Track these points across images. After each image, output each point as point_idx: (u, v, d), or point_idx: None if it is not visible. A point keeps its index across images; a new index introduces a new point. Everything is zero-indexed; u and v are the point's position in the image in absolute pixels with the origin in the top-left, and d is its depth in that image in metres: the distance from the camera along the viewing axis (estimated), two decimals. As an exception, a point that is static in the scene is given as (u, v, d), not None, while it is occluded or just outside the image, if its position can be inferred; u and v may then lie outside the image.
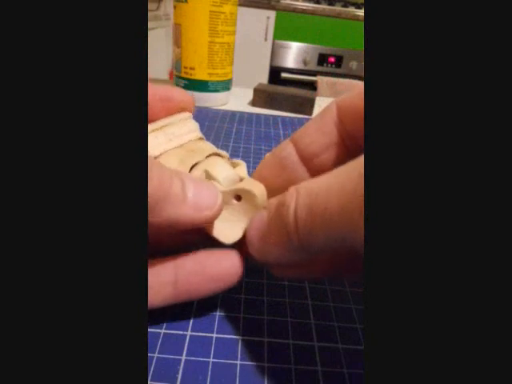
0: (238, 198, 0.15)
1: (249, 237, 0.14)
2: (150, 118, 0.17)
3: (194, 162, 0.15)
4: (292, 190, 0.12)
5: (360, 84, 1.30)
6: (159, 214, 0.12)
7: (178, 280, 0.14)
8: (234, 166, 0.17)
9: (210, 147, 0.17)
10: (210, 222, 0.14)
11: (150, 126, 0.16)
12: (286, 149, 0.15)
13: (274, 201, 0.13)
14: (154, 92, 0.17)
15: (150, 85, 0.16)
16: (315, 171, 0.15)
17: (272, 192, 0.14)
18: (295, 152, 0.15)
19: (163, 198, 0.12)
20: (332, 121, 0.14)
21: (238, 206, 0.15)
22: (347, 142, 0.14)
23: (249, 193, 0.14)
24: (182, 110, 0.18)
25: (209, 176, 0.15)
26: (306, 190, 0.11)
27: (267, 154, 0.17)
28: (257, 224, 0.13)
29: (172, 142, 0.16)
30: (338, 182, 0.10)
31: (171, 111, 0.17)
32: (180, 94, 0.17)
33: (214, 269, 0.14)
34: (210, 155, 0.16)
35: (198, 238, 0.16)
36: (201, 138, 0.17)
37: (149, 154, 0.15)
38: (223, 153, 0.17)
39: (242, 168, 0.16)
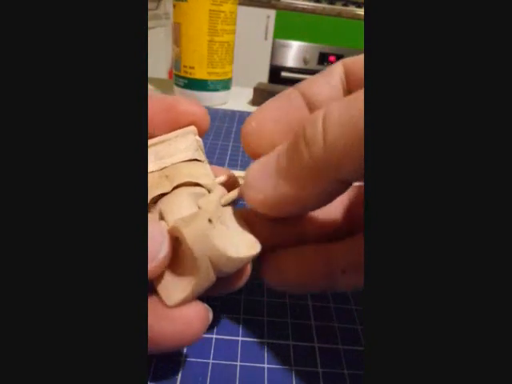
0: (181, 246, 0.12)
1: (249, 178, 0.12)
2: (150, 131, 0.15)
3: (155, 194, 0.13)
4: (318, 111, 0.11)
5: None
6: None
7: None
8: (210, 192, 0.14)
9: (190, 172, 0.14)
10: (157, 274, 0.12)
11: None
12: (293, 93, 0.14)
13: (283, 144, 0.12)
14: (157, 102, 0.15)
15: (153, 94, 0.15)
16: None
17: (270, 141, 0.13)
18: (302, 98, 0.14)
19: None
20: (338, 77, 0.14)
21: (182, 259, 0.12)
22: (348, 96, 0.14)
23: (179, 233, 0.11)
24: (192, 123, 0.15)
25: (161, 216, 0.13)
26: (338, 105, 0.10)
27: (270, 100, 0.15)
28: (262, 163, 0.12)
29: (152, 164, 0.14)
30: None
31: (177, 124, 0.15)
32: (187, 106, 0.15)
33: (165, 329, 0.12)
34: (177, 186, 0.13)
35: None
36: (193, 160, 0.15)
37: None
38: (204, 180, 0.14)
39: (214, 193, 0.14)
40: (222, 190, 0.14)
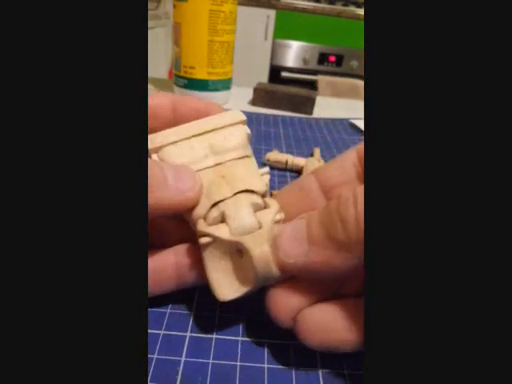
0: (241, 253, 0.14)
1: (280, 241, 0.13)
2: (156, 126, 0.16)
3: (217, 199, 0.14)
4: (346, 190, 0.12)
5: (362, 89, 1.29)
6: None
7: (180, 270, 0.14)
8: (266, 205, 0.14)
9: (244, 176, 0.14)
10: (193, 204, 0.14)
11: (190, 127, 0.15)
12: (309, 178, 0.16)
13: (306, 215, 0.13)
14: (164, 99, 0.17)
15: (159, 94, 0.16)
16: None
17: (290, 215, 0.14)
18: (316, 182, 0.16)
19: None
20: (351, 162, 0.15)
21: (240, 262, 0.14)
22: (362, 179, 0.15)
23: (246, 251, 0.13)
24: (196, 118, 0.16)
25: (223, 219, 0.14)
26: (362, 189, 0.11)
27: (291, 183, 0.17)
28: (293, 228, 0.13)
29: (208, 159, 0.15)
30: None
31: (181, 121, 0.16)
32: (190, 103, 0.17)
33: None
34: (239, 192, 0.14)
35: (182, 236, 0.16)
36: (245, 157, 0.15)
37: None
38: (258, 186, 0.14)
39: (271, 211, 0.14)
40: (276, 206, 0.14)
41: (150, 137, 0.15)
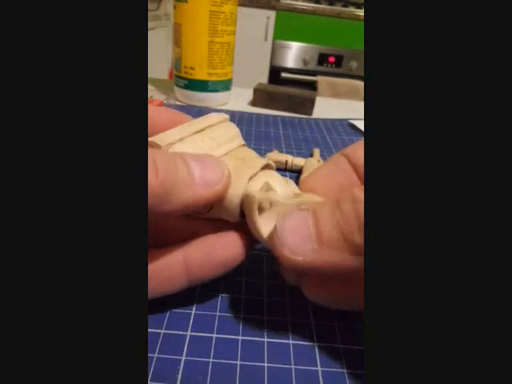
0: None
1: (284, 236, 0.12)
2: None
3: (251, 174, 0.15)
4: (359, 191, 0.11)
5: (361, 85, 1.29)
6: (171, 201, 0.12)
7: (189, 267, 0.14)
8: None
9: (257, 156, 0.16)
10: (222, 195, 0.14)
11: (186, 127, 0.16)
12: (339, 158, 0.16)
13: (324, 202, 0.13)
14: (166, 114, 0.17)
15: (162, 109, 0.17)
16: None
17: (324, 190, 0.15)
18: (347, 162, 0.16)
19: (173, 186, 0.12)
20: None
21: None
22: None
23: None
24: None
25: (270, 188, 0.14)
26: None
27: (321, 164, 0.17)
28: (296, 222, 0.13)
29: (220, 148, 0.16)
30: None
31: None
32: (175, 116, 0.17)
33: (222, 256, 0.14)
34: (263, 167, 0.15)
35: (203, 225, 0.16)
36: (243, 145, 0.17)
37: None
38: (271, 164, 0.16)
39: (292, 183, 0.16)
40: (292, 183, 0.16)
41: (156, 137, 0.15)
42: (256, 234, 0.14)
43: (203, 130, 0.16)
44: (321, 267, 0.12)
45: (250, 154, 0.16)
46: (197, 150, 0.15)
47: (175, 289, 0.15)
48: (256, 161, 0.16)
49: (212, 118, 0.17)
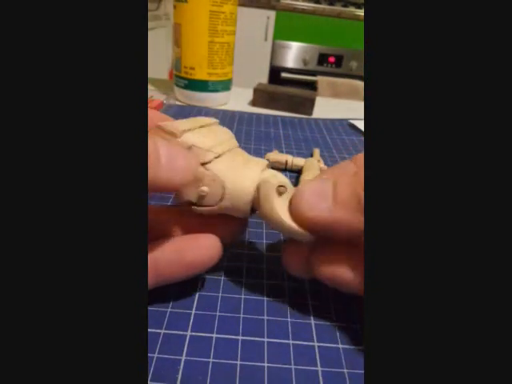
0: None
1: (304, 195, 0.14)
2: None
3: (262, 167, 0.16)
4: None
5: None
6: None
7: (159, 269, 0.15)
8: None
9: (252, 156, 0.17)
10: (186, 184, 0.14)
11: (191, 121, 0.16)
12: (348, 164, 0.16)
13: (344, 174, 0.14)
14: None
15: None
16: None
17: None
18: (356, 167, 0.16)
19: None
20: None
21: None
22: None
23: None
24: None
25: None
26: None
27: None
28: (317, 185, 0.14)
29: (223, 145, 0.16)
30: None
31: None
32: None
33: (193, 257, 0.15)
34: (265, 168, 0.16)
35: (176, 229, 0.16)
36: (238, 147, 0.17)
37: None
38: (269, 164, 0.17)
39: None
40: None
41: (166, 123, 0.15)
42: (273, 218, 0.14)
43: (206, 125, 0.16)
44: (334, 225, 0.13)
45: (248, 156, 0.17)
46: (208, 140, 0.15)
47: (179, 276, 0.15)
48: (258, 159, 0.16)
49: (206, 118, 0.17)
